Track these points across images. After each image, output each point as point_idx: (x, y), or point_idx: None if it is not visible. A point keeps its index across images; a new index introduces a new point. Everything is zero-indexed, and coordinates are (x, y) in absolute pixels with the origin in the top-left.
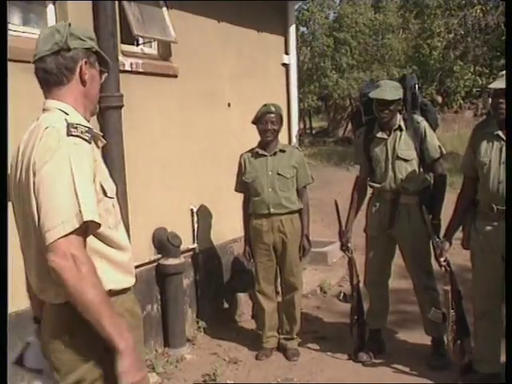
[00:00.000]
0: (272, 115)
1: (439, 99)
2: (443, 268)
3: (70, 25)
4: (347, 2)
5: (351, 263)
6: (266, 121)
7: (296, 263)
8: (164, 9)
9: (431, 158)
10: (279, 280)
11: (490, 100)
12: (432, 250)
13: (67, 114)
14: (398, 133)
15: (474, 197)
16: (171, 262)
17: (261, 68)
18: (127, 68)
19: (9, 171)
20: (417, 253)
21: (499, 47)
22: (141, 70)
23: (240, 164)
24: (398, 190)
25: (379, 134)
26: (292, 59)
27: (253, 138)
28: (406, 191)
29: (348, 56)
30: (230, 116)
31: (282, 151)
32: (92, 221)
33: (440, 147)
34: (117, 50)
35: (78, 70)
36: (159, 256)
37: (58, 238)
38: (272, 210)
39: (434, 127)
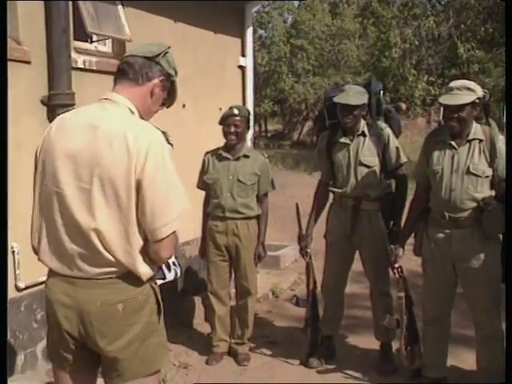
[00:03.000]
0: (236, 118)
1: (403, 106)
2: (397, 274)
3: (169, 48)
4: (305, 7)
5: (309, 268)
6: (229, 123)
7: (250, 268)
8: (119, 7)
9: (393, 165)
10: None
11: (441, 110)
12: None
13: (133, 114)
14: (362, 138)
15: (427, 204)
16: None
17: (217, 70)
18: (80, 65)
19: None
20: (376, 259)
21: (450, 57)
22: (94, 67)
23: (203, 162)
24: (359, 196)
25: (342, 139)
26: (248, 61)
27: (208, 139)
28: (368, 197)
29: (304, 61)
30: (184, 117)
31: (246, 156)
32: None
33: (402, 154)
34: (69, 46)
35: (154, 81)
36: None
37: (172, 233)
38: (227, 214)
39: (396, 134)
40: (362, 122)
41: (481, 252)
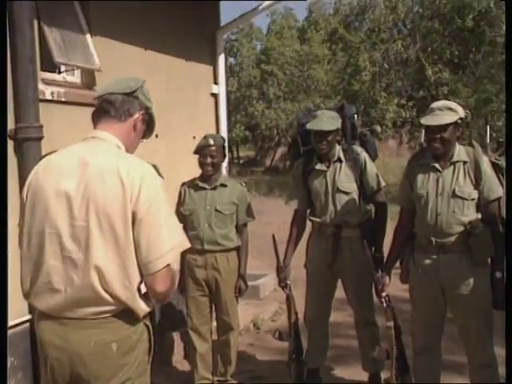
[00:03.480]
0: (212, 148)
1: (378, 129)
2: (384, 303)
3: (144, 81)
4: (274, 34)
5: (289, 300)
6: (205, 154)
7: (231, 302)
8: (88, 35)
9: (371, 190)
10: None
11: (423, 132)
12: (374, 285)
13: (120, 149)
14: (338, 164)
15: (412, 229)
16: None
17: (189, 98)
18: (48, 97)
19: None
20: (360, 287)
21: (419, 80)
22: (63, 99)
23: (180, 194)
24: (339, 224)
25: (318, 166)
26: (221, 89)
27: (182, 169)
28: (348, 224)
29: (275, 87)
30: (157, 147)
31: (223, 185)
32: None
33: (379, 178)
34: (36, 77)
35: (135, 116)
36: None
37: (166, 266)
38: (206, 247)
39: (373, 158)
40: (338, 148)
41: (470, 277)
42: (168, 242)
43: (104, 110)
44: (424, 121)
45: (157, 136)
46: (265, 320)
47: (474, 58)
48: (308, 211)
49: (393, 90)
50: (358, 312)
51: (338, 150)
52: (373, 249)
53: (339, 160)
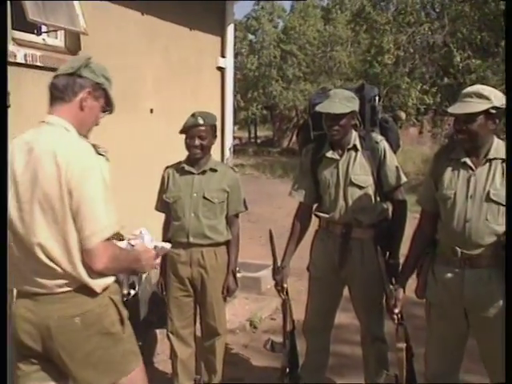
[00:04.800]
0: (201, 128)
1: (403, 115)
2: (396, 321)
3: (90, 58)
4: (297, 12)
5: (285, 306)
6: (193, 135)
7: (218, 304)
8: None
9: (390, 186)
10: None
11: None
12: (385, 299)
13: (68, 131)
14: (353, 153)
15: (433, 236)
16: None
17: (192, 71)
18: (20, 60)
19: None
20: (369, 297)
21: (444, 66)
22: (38, 63)
23: (163, 179)
24: (350, 223)
25: (329, 154)
26: (229, 63)
27: (180, 150)
28: (360, 224)
29: (295, 67)
30: (152, 124)
31: (213, 170)
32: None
33: (401, 172)
34: (6, 36)
35: (80, 95)
36: None
37: (102, 242)
38: (192, 240)
39: (394, 148)
40: (354, 134)
41: (500, 298)
42: (103, 220)
43: (51, 94)
44: (450, 109)
45: (151, 111)
46: (263, 318)
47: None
48: (315, 206)
49: (416, 76)
50: (365, 326)
51: (354, 137)
52: (387, 254)
53: (354, 148)
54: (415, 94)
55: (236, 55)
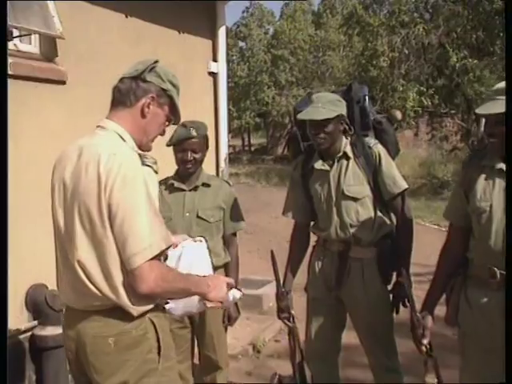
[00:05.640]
0: (194, 140)
1: (399, 115)
2: (424, 353)
3: (156, 62)
4: (287, 18)
5: (293, 334)
6: (185, 148)
7: (218, 335)
8: None
9: (390, 194)
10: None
11: (482, 127)
12: (411, 328)
13: (124, 141)
14: (344, 162)
15: (464, 254)
16: (50, 331)
17: (181, 76)
18: None
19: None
20: (373, 326)
21: (440, 67)
22: (11, 72)
23: None
24: (347, 240)
25: (318, 165)
26: (221, 67)
27: (164, 161)
28: (359, 241)
29: (287, 72)
30: None
31: (206, 185)
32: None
33: (400, 178)
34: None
35: (143, 100)
36: (34, 323)
37: (147, 263)
38: None
39: (392, 153)
40: (343, 141)
41: None
42: (146, 237)
43: (113, 98)
44: (478, 109)
45: None
46: (267, 341)
47: (502, 43)
48: (312, 222)
49: (412, 78)
50: (372, 356)
51: (345, 144)
52: (393, 275)
53: (345, 156)
54: (413, 96)
55: (227, 63)
